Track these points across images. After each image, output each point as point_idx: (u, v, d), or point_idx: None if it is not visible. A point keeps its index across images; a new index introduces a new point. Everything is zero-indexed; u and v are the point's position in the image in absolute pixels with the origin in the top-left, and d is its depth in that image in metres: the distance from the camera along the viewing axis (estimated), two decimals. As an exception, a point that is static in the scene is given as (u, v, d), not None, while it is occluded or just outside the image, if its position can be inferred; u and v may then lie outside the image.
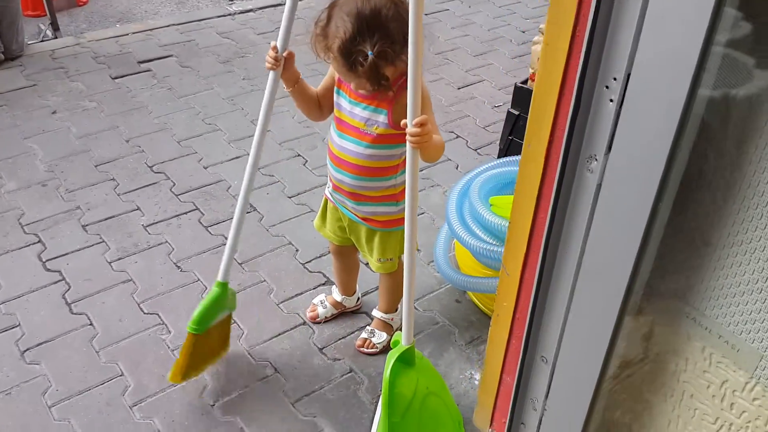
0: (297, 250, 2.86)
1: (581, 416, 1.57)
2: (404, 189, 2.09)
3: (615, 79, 1.23)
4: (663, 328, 1.45)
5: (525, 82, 3.10)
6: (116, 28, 4.73)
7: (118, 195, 3.12)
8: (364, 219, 2.15)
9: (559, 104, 1.39)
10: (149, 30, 4.65)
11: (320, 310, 2.54)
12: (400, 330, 2.46)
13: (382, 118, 1.94)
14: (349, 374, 2.36)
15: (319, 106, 2.11)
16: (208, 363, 2.29)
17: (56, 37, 4.58)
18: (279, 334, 2.49)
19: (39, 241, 2.83)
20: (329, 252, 2.81)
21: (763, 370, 1.29)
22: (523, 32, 4.88)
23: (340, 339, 2.49)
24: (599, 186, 1.33)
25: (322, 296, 2.58)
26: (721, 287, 1.29)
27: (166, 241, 2.87)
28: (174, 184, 3.20)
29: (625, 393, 1.59)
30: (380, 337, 2.44)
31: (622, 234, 1.30)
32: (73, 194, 3.10)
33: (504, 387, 1.91)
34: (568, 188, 1.41)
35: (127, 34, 4.57)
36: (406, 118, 1.89)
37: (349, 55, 1.74)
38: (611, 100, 1.25)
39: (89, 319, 2.50)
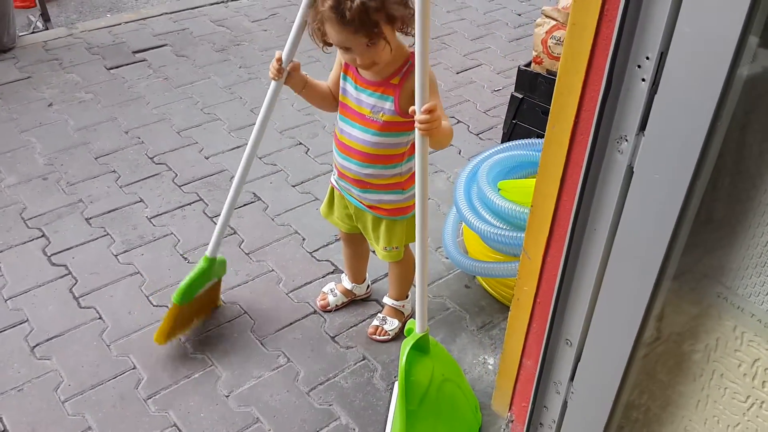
0: (304, 239, 2.84)
1: (609, 398, 1.56)
2: (410, 177, 2.10)
3: (648, 58, 1.21)
4: (693, 307, 1.44)
5: (528, 65, 3.08)
6: (108, 18, 4.67)
7: (120, 187, 3.08)
8: (369, 207, 2.13)
9: (586, 85, 1.38)
10: (142, 19, 4.59)
11: (330, 299, 2.53)
12: (412, 316, 2.48)
13: (388, 105, 1.92)
14: (363, 362, 2.35)
15: (333, 98, 2.09)
16: (195, 321, 2.41)
17: (47, 28, 4.50)
18: (290, 324, 2.47)
19: (43, 236, 2.80)
20: (336, 240, 2.81)
21: (796, 348, 1.29)
22: (519, 15, 4.86)
23: (351, 327, 2.48)
24: (630, 167, 1.32)
25: (331, 284, 2.57)
26: (755, 266, 1.29)
27: (172, 233, 2.84)
28: (176, 175, 3.17)
29: (650, 374, 1.59)
30: (392, 324, 2.43)
31: (656, 215, 1.29)
32: (74, 187, 3.07)
33: (524, 371, 1.91)
34: (596, 170, 1.39)
35: (120, 24, 4.52)
36: (412, 104, 1.87)
37: (339, 10, 1.71)
38: (643, 80, 1.23)
39: (98, 313, 2.48)
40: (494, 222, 2.33)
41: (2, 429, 2.10)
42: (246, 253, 2.76)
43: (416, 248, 1.85)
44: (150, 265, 2.69)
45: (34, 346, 2.35)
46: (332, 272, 2.70)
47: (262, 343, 2.39)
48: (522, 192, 2.33)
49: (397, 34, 1.84)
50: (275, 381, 2.27)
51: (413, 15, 1.75)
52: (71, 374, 2.26)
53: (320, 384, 2.27)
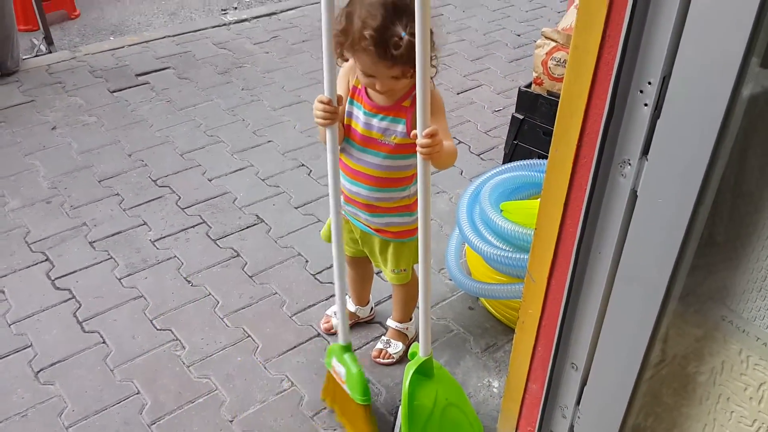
0: (307, 261, 2.84)
1: (616, 423, 1.56)
2: (417, 198, 2.10)
3: (650, 83, 1.22)
4: (698, 330, 1.44)
5: (528, 86, 3.10)
6: (111, 41, 4.70)
7: (124, 210, 3.09)
8: (377, 230, 2.13)
9: (588, 109, 1.38)
10: (145, 42, 4.62)
11: (334, 321, 2.52)
12: (416, 339, 2.47)
13: (401, 127, 1.93)
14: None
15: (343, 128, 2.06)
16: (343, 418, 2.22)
17: (51, 52, 4.53)
18: (294, 347, 2.47)
19: (46, 260, 2.80)
20: (340, 262, 2.80)
21: (803, 371, 1.28)
22: (519, 36, 4.89)
23: (355, 350, 2.46)
24: (634, 191, 1.32)
25: (335, 307, 2.56)
26: (759, 289, 1.29)
27: (175, 256, 2.85)
28: (179, 198, 3.18)
29: (656, 398, 1.58)
30: (396, 347, 2.43)
31: (661, 239, 1.29)
32: (78, 210, 3.07)
33: (530, 394, 1.90)
34: (600, 193, 1.40)
35: (123, 47, 4.54)
36: None
37: (382, 43, 1.71)
38: (645, 105, 1.24)
39: (102, 337, 2.47)
40: (497, 243, 2.33)
41: (6, 455, 2.10)
42: (249, 276, 2.76)
43: (419, 271, 1.86)
44: (153, 288, 2.69)
45: (38, 371, 2.35)
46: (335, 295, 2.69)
47: (265, 367, 2.39)
48: (525, 213, 2.33)
49: None
50: (279, 405, 2.26)
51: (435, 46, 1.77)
52: (75, 399, 2.25)
53: (324, 408, 2.26)
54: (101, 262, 2.80)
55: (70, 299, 2.63)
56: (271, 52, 4.55)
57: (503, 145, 3.38)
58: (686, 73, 1.16)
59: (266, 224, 3.04)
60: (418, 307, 2.49)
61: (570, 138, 1.45)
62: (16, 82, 4.07)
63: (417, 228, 2.13)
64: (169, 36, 4.73)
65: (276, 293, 2.69)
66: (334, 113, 1.78)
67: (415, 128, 1.90)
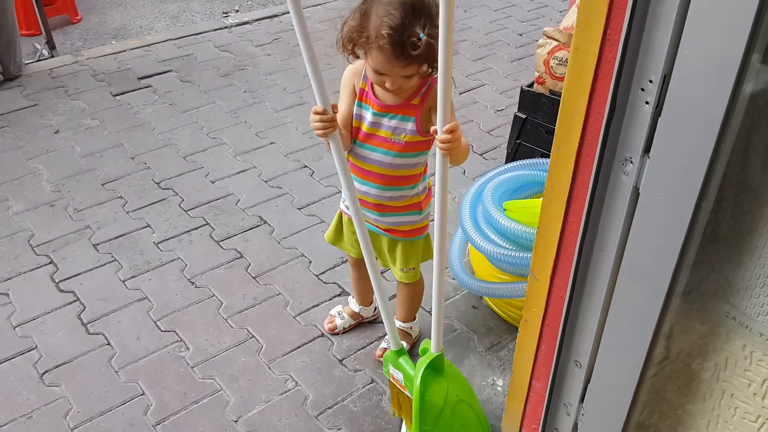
0: (310, 262, 2.85)
1: (620, 420, 1.56)
2: (426, 196, 2.11)
3: (651, 81, 1.22)
4: (702, 327, 1.44)
5: (531, 85, 3.10)
6: (113, 45, 4.72)
7: (127, 213, 3.10)
8: (387, 230, 2.14)
9: (590, 108, 1.39)
10: (147, 45, 4.64)
11: (338, 321, 2.53)
12: (420, 338, 2.48)
13: (410, 125, 1.93)
14: (371, 384, 2.35)
15: (349, 138, 2.03)
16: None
17: (53, 56, 4.55)
18: (298, 347, 2.47)
19: (51, 262, 2.81)
20: (343, 262, 2.81)
21: (806, 367, 1.29)
22: (521, 35, 4.90)
23: (359, 349, 2.48)
24: (636, 189, 1.33)
25: (339, 307, 2.57)
26: (762, 285, 1.29)
27: (179, 258, 2.85)
28: (183, 200, 3.19)
29: (660, 394, 1.59)
30: (400, 347, 2.43)
31: (663, 236, 1.30)
32: (81, 213, 3.09)
33: (534, 393, 1.90)
34: (602, 191, 1.40)
35: (125, 51, 4.56)
36: (430, 124, 1.89)
37: (400, 43, 1.71)
38: (647, 103, 1.25)
39: (106, 339, 2.48)
40: (500, 242, 2.34)
41: (12, 457, 2.10)
42: (253, 277, 2.77)
43: (434, 266, 1.85)
44: (157, 290, 2.69)
45: (43, 373, 2.35)
46: (339, 295, 2.70)
47: (269, 367, 2.39)
48: (528, 212, 2.34)
49: None
50: (283, 405, 2.27)
51: None
52: (80, 401, 2.26)
53: (329, 408, 2.26)
54: (105, 264, 2.81)
55: (74, 301, 2.64)
56: (272, 54, 4.56)
57: (506, 145, 3.38)
58: (687, 71, 1.16)
59: (269, 225, 3.05)
60: (423, 307, 2.52)
61: (572, 137, 1.45)
62: (19, 87, 4.09)
63: (426, 226, 2.16)
64: (171, 39, 4.74)
65: (279, 294, 2.69)
66: (330, 122, 1.73)
67: (425, 126, 1.92)
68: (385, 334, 2.49)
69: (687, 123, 1.19)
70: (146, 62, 4.43)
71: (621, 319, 1.48)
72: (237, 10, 5.52)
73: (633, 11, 1.19)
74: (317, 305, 2.65)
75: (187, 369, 2.38)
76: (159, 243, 2.93)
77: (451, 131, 1.67)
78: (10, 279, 2.73)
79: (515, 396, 1.97)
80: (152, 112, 3.88)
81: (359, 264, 2.38)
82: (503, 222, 2.32)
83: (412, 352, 2.45)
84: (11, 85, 4.10)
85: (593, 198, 1.42)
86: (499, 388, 2.35)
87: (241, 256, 2.87)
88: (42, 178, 3.32)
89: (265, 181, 3.33)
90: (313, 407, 2.26)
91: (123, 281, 2.73)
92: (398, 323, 2.44)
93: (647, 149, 1.29)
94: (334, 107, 1.76)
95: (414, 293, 2.36)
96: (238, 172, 3.40)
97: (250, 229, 3.03)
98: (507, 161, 3.27)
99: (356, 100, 1.99)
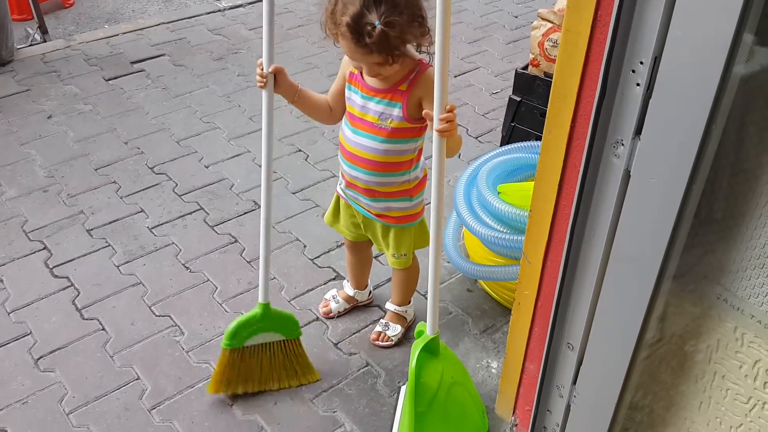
0: (305, 246, 2.85)
1: (612, 401, 1.57)
2: (417, 184, 2.11)
3: (642, 62, 1.22)
4: (693, 309, 1.45)
5: (525, 67, 3.09)
6: (106, 29, 4.68)
7: (121, 198, 3.09)
8: (378, 215, 2.14)
9: (581, 90, 1.38)
10: (139, 29, 4.60)
11: (333, 305, 2.53)
12: (415, 322, 2.49)
13: (396, 111, 1.93)
14: (366, 368, 2.35)
15: (329, 110, 2.09)
16: (268, 384, 2.26)
17: (45, 41, 4.51)
18: (293, 331, 2.48)
19: (44, 248, 2.81)
20: (338, 246, 2.81)
21: (797, 348, 1.29)
22: (516, 17, 4.87)
23: (354, 333, 2.48)
24: (627, 171, 1.32)
25: (333, 291, 2.58)
26: (753, 267, 1.29)
27: (173, 243, 2.85)
28: (176, 185, 3.18)
29: (653, 376, 1.59)
30: (394, 330, 2.44)
31: (654, 218, 1.30)
32: (75, 199, 3.08)
33: (527, 375, 1.91)
34: (594, 174, 1.40)
35: (118, 35, 4.53)
36: (419, 111, 1.88)
37: (357, 31, 1.73)
38: (638, 84, 1.24)
39: (101, 324, 2.48)
40: (495, 225, 2.34)
41: (8, 442, 2.11)
42: (247, 261, 2.77)
43: (430, 250, 1.86)
44: (151, 275, 2.69)
45: (38, 359, 2.36)
46: (334, 279, 2.70)
47: (265, 352, 2.40)
48: (522, 195, 2.33)
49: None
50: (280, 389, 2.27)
51: (428, 35, 1.78)
52: (75, 386, 2.27)
53: (324, 391, 2.27)
54: (99, 249, 2.81)
55: (68, 287, 2.63)
56: (266, 37, 4.52)
57: (501, 128, 3.37)
58: (677, 52, 1.15)
59: (264, 210, 3.04)
60: (418, 291, 2.52)
61: (563, 119, 1.45)
62: (11, 72, 4.06)
63: (418, 213, 2.15)
64: (163, 23, 4.71)
65: (274, 278, 2.69)
66: (263, 77, 1.90)
67: (412, 113, 1.91)
68: (381, 317, 2.50)
69: (677, 105, 1.19)
70: (139, 46, 4.40)
71: (612, 301, 1.48)
72: (230, -7, 5.47)
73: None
74: (312, 289, 2.66)
75: (182, 353, 2.38)
76: (153, 228, 2.93)
77: (449, 110, 1.67)
78: (3, 265, 2.73)
79: (509, 378, 1.98)
80: (145, 97, 3.86)
81: (355, 247, 2.38)
82: (497, 205, 2.32)
83: (407, 336, 2.45)
84: (3, 70, 4.07)
85: (584, 181, 1.41)
86: (493, 371, 2.36)
87: (236, 241, 2.87)
88: (35, 163, 3.30)
89: (260, 166, 3.31)
90: (308, 391, 2.27)
91: (117, 266, 2.73)
92: (393, 307, 2.44)
93: (638, 131, 1.28)
94: (277, 70, 1.92)
95: (407, 278, 2.37)
96: (232, 157, 3.39)
97: (245, 213, 3.02)
98: (502, 144, 3.26)
99: (346, 83, 2.00)
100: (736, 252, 1.30)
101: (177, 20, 4.75)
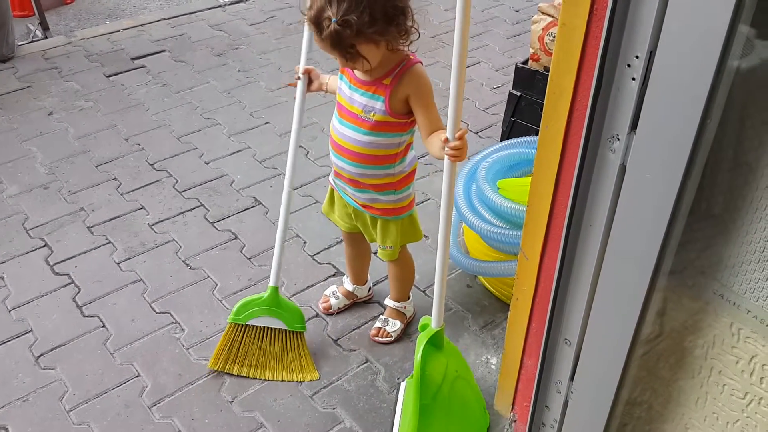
0: (305, 242, 2.85)
1: (609, 397, 1.56)
2: (403, 178, 2.11)
3: (637, 57, 1.21)
4: (690, 305, 1.44)
5: (525, 62, 3.08)
6: (106, 25, 4.69)
7: (122, 195, 3.09)
8: (363, 206, 2.15)
9: (577, 85, 1.38)
10: (140, 25, 4.60)
11: (333, 301, 2.53)
12: (414, 318, 2.49)
13: (379, 105, 1.93)
14: (366, 364, 2.35)
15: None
16: (261, 372, 2.30)
17: (46, 37, 4.52)
18: (293, 327, 2.48)
19: (45, 245, 2.81)
20: (338, 242, 2.81)
21: (794, 344, 1.29)
22: (517, 11, 4.85)
23: (354, 329, 2.48)
24: (623, 166, 1.32)
25: (333, 287, 2.58)
26: (749, 262, 1.29)
27: (173, 239, 2.85)
28: (177, 181, 3.18)
29: (651, 372, 1.59)
30: (394, 326, 2.43)
31: (650, 213, 1.29)
32: (75, 196, 3.08)
33: (525, 371, 1.91)
34: (590, 169, 1.39)
35: (118, 31, 4.53)
36: (402, 107, 1.90)
37: (317, 24, 1.74)
38: (633, 79, 1.24)
39: (101, 321, 2.49)
40: (494, 221, 2.33)
41: (8, 439, 2.12)
42: (247, 258, 2.77)
43: (438, 243, 1.87)
44: (152, 272, 2.70)
45: (39, 356, 2.36)
46: (334, 275, 2.70)
47: (264, 348, 2.40)
48: (521, 191, 2.33)
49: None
50: (279, 385, 2.27)
51: (406, 31, 1.78)
52: (76, 383, 2.27)
53: (323, 388, 2.27)
54: (100, 246, 2.81)
55: (69, 284, 2.64)
56: (267, 33, 4.52)
57: (501, 123, 3.36)
58: (672, 46, 1.15)
59: (264, 206, 3.04)
60: (417, 287, 2.52)
61: (559, 115, 1.45)
62: (12, 69, 4.06)
63: (403, 207, 2.16)
64: (164, 19, 4.71)
65: (274, 274, 2.69)
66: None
67: (395, 108, 1.91)
68: (381, 313, 2.50)
69: (673, 99, 1.18)
70: (140, 42, 4.40)
71: (609, 297, 1.48)
72: (231, -11, 5.46)
73: (617, -11, 1.17)
74: (312, 285, 2.66)
75: (182, 350, 2.39)
76: (153, 225, 2.93)
77: (460, 138, 1.69)
78: (4, 262, 2.73)
79: (507, 374, 1.98)
80: (146, 93, 3.86)
81: (351, 239, 2.38)
82: (496, 200, 2.32)
83: (407, 332, 2.45)
84: (4, 66, 4.07)
85: (581, 176, 1.41)
86: (492, 366, 2.36)
87: (236, 238, 2.87)
88: (36, 160, 3.31)
89: (260, 162, 3.32)
90: (308, 387, 2.27)
91: (117, 263, 2.73)
92: (392, 303, 2.44)
93: (634, 126, 1.28)
94: (307, 71, 2.12)
95: (401, 274, 2.37)
96: (233, 153, 3.39)
97: (245, 210, 3.02)
98: (502, 139, 3.25)
99: (339, 73, 2.04)
100: (732, 247, 1.30)
101: (178, 16, 4.75)
